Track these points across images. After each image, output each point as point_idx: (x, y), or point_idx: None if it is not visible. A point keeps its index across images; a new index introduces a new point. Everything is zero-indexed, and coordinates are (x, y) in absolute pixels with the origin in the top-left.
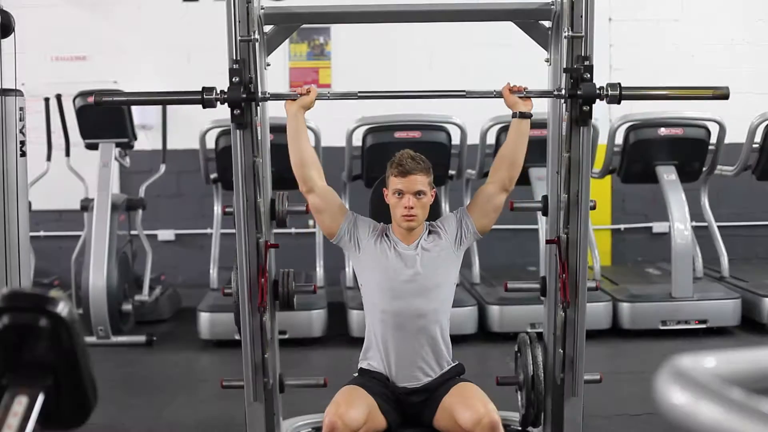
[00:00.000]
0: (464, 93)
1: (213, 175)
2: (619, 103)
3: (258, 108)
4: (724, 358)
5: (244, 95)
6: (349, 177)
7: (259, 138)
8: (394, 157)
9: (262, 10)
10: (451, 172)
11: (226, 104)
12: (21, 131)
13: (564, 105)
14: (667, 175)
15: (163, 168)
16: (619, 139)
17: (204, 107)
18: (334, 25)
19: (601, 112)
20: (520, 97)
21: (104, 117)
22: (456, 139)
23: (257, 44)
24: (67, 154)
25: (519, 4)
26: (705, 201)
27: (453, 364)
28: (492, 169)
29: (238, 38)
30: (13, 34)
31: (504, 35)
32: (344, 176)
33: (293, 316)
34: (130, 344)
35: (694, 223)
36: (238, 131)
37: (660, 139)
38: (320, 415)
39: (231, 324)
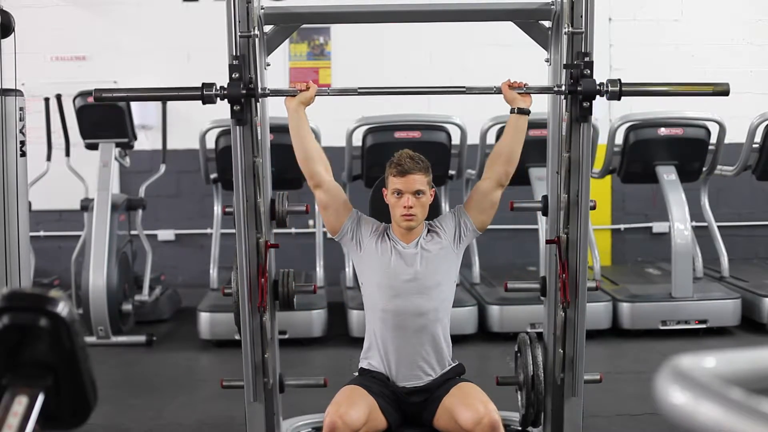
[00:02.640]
0: (464, 89)
1: (213, 175)
2: (619, 99)
3: (258, 105)
4: (724, 358)
5: (244, 91)
6: (349, 177)
7: (259, 138)
8: (393, 157)
9: (262, 10)
10: (451, 172)
11: (225, 100)
12: (21, 131)
13: (564, 103)
14: (667, 175)
15: (163, 168)
16: (619, 139)
17: (204, 103)
18: (334, 25)
19: (602, 112)
20: (519, 93)
21: (104, 117)
22: (456, 139)
23: (257, 44)
24: (67, 154)
25: (519, 4)
26: (705, 201)
27: (453, 364)
28: (487, 165)
29: (238, 34)
30: (13, 34)
31: (504, 35)
32: (344, 176)
33: (293, 316)
34: (130, 344)
35: (694, 223)
36: (237, 128)
37: (660, 139)
38: (320, 415)
39: (231, 324)
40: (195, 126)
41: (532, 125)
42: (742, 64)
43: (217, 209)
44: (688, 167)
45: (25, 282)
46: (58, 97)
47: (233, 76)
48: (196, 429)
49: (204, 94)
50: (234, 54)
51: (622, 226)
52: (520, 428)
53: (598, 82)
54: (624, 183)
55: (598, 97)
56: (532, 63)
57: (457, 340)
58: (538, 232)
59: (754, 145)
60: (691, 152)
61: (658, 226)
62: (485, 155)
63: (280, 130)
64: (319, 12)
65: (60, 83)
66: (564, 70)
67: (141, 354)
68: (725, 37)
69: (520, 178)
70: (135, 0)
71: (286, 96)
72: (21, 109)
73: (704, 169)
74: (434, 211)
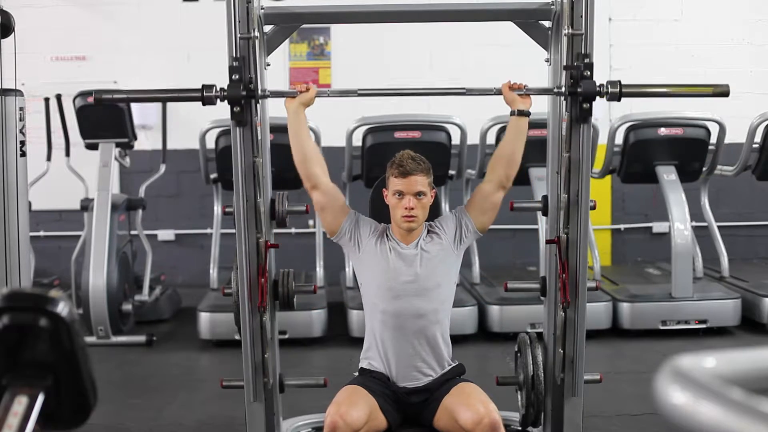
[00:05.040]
0: (464, 90)
1: (213, 175)
2: (619, 100)
3: (258, 106)
4: (724, 358)
5: (244, 92)
6: (349, 177)
7: (259, 138)
8: (395, 158)
9: (262, 10)
10: (451, 172)
11: (225, 101)
12: (21, 131)
13: (564, 104)
14: (667, 175)
15: (163, 168)
16: (619, 139)
17: (204, 104)
18: (334, 25)
19: (602, 113)
20: (519, 95)
21: (104, 117)
22: (456, 139)
23: (257, 44)
24: (67, 154)
25: (519, 4)
26: (705, 201)
27: (453, 365)
28: (489, 167)
29: (238, 36)
30: (13, 34)
31: (504, 35)
32: (344, 176)
33: (293, 316)
34: (130, 344)
35: (694, 223)
36: (237, 129)
37: (660, 139)
38: (320, 415)
39: (231, 324)
40: (195, 126)
41: (533, 125)
42: (742, 64)
43: (217, 209)
44: (688, 167)
45: (25, 282)
46: (58, 97)
47: (233, 77)
48: (196, 429)
49: (204, 95)
50: (234, 55)
51: (622, 226)
52: (520, 428)
53: (598, 84)
54: (624, 183)
55: (598, 97)
56: (532, 63)
57: (457, 340)
58: (538, 232)
59: (754, 145)
60: (691, 152)
61: (658, 226)
62: (485, 155)
63: (280, 130)
64: (319, 12)
65: (60, 83)
66: (564, 72)
67: (141, 354)
68: (725, 37)
69: (520, 178)
70: (135, 0)
71: (286, 97)
72: (21, 109)
73: (704, 169)
74: (434, 211)
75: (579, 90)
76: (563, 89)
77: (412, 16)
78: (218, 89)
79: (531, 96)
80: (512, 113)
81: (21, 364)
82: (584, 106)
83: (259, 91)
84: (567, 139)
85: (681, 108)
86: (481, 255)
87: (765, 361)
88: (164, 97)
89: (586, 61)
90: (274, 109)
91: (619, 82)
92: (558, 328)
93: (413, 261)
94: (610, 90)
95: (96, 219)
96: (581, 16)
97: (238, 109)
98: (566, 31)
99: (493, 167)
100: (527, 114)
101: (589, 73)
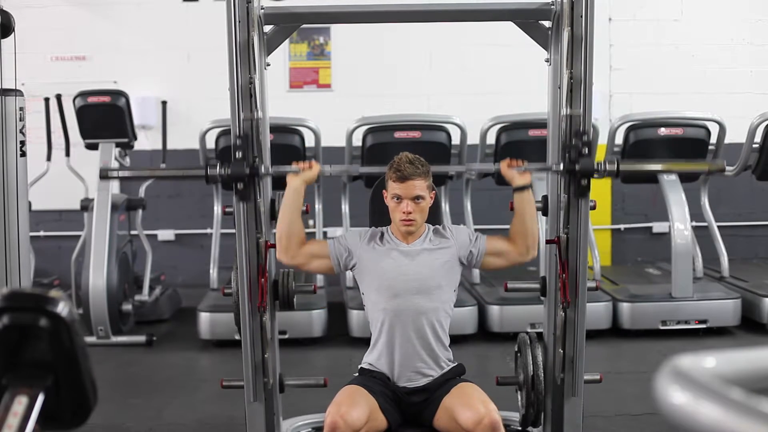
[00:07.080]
0: (465, 168)
1: None
2: (617, 177)
3: (261, 183)
4: (724, 358)
5: (248, 170)
6: (349, 177)
7: (260, 139)
8: (393, 161)
9: (262, 10)
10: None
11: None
12: (21, 131)
13: (562, 100)
14: (667, 175)
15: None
16: (619, 139)
17: (207, 183)
18: (334, 25)
19: (602, 112)
20: (518, 172)
21: (104, 117)
22: (456, 139)
23: (257, 44)
24: (67, 154)
25: (519, 4)
26: (705, 201)
27: (453, 365)
28: (510, 239)
29: (242, 116)
30: (13, 34)
31: (504, 35)
32: (344, 176)
33: (293, 316)
34: (130, 344)
35: (694, 223)
36: (241, 204)
37: (660, 139)
38: (320, 415)
39: (231, 324)
40: (195, 126)
41: (533, 125)
42: (742, 64)
43: (217, 209)
44: None
45: (25, 282)
46: (58, 97)
47: (237, 155)
48: (196, 429)
49: (209, 175)
50: (237, 133)
51: (622, 226)
52: (520, 428)
53: (596, 161)
54: (624, 183)
55: (598, 96)
56: (532, 63)
57: (457, 340)
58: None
59: (754, 145)
60: (691, 152)
61: (658, 226)
62: (485, 155)
63: (280, 130)
64: (319, 12)
65: (60, 83)
66: (562, 150)
67: (141, 354)
68: (725, 37)
69: None
70: (135, 0)
71: (289, 173)
72: (21, 109)
73: None
74: (435, 211)
75: (577, 168)
76: (561, 167)
77: (412, 16)
78: (222, 169)
79: (530, 171)
80: (514, 190)
81: (21, 364)
82: (582, 182)
83: (262, 169)
84: (565, 212)
85: (681, 108)
86: None
87: (765, 361)
88: (170, 176)
89: (584, 138)
90: (274, 110)
91: (617, 158)
92: (558, 328)
93: (415, 259)
94: (607, 168)
95: (96, 219)
96: (581, 17)
97: (242, 186)
98: (565, 112)
99: (514, 241)
100: (528, 188)
101: (587, 150)
